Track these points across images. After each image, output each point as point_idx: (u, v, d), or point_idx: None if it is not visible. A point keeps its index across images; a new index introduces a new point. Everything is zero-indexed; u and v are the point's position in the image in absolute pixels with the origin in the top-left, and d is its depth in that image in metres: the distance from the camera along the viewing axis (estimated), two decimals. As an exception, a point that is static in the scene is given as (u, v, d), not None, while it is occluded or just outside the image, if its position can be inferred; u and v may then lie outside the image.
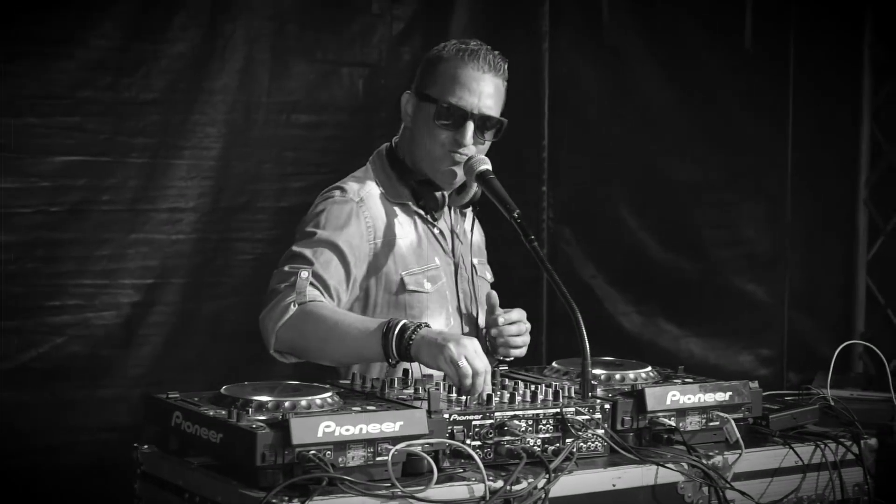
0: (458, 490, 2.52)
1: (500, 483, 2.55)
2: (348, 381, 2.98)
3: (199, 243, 4.48)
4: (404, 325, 2.95)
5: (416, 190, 3.43)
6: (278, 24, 4.63)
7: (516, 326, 3.37)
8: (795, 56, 5.30)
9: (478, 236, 3.69)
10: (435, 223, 3.47)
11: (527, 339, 3.41)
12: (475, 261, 3.61)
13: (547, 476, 2.60)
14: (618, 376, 3.07)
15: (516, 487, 2.55)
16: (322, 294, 3.18)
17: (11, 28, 4.11)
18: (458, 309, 3.49)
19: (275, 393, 2.63)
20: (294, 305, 3.08)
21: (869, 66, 5.56)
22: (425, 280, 3.40)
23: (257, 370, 4.16)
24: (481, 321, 3.53)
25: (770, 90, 5.32)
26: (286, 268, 3.20)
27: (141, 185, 4.36)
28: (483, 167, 3.31)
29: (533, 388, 2.84)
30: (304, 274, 3.12)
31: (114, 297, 4.33)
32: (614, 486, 2.73)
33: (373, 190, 3.41)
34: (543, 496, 2.58)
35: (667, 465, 2.79)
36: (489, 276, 3.66)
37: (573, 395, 2.86)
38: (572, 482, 2.66)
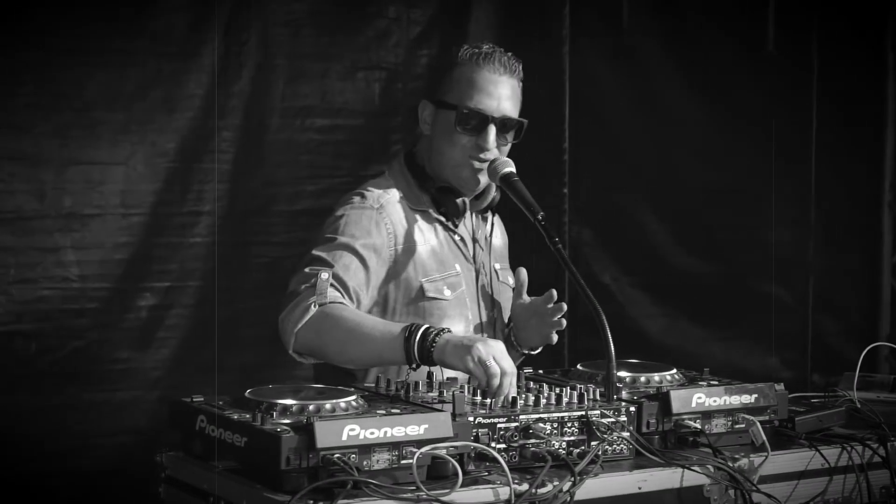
0: (482, 493, 2.51)
1: (525, 486, 2.54)
2: (373, 385, 2.97)
3: (215, 247, 4.48)
4: (427, 328, 2.96)
5: (437, 197, 3.44)
6: (294, 29, 4.63)
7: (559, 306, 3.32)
8: (819, 59, 5.27)
9: (500, 240, 3.69)
10: (455, 230, 3.47)
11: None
12: (497, 266, 3.60)
13: (572, 479, 2.59)
14: (643, 379, 3.06)
15: (541, 490, 2.54)
16: (342, 296, 3.18)
17: (44, 38, 4.15)
18: (479, 315, 3.48)
19: (299, 396, 2.63)
20: (314, 306, 3.09)
21: (893, 70, 5.53)
22: (445, 287, 3.40)
23: (274, 373, 4.27)
24: (502, 328, 3.54)
25: (793, 93, 5.29)
26: (306, 270, 3.20)
27: (158, 189, 4.37)
28: (507, 169, 3.31)
29: (558, 390, 2.84)
30: (325, 275, 3.13)
31: (132, 300, 4.34)
32: (640, 488, 2.72)
33: (394, 196, 3.41)
34: (569, 499, 2.57)
35: (692, 467, 2.77)
36: (511, 280, 3.64)
37: (598, 397, 2.86)
38: (598, 485, 2.65)
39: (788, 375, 5.15)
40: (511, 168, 3.32)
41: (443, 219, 3.45)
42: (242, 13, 4.53)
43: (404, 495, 2.43)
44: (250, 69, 4.55)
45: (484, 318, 3.50)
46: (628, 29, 5.24)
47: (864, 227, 5.50)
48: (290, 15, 4.63)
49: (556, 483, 2.57)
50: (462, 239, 3.49)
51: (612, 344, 2.89)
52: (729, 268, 5.28)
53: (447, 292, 3.40)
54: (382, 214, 3.35)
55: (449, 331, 2.98)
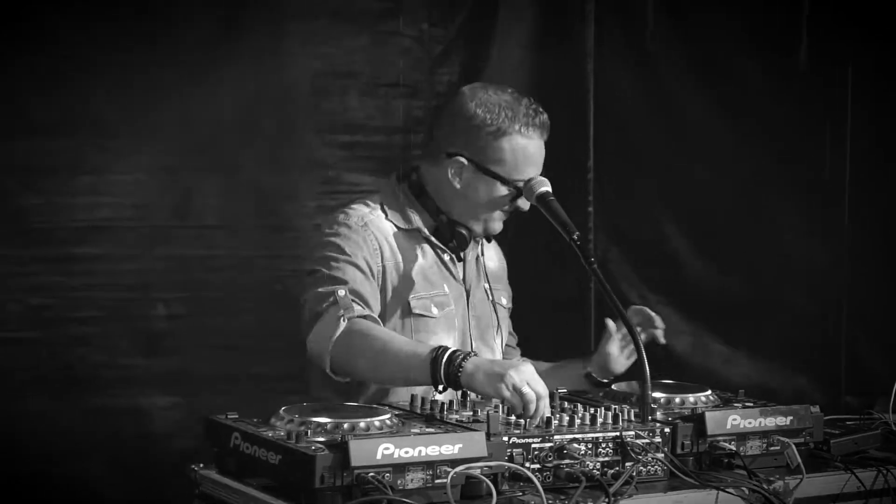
0: (517, 513, 2.51)
1: (559, 506, 2.54)
2: (406, 403, 2.97)
3: (230, 260, 4.51)
4: (454, 352, 2.94)
5: (444, 228, 3.46)
6: (313, 46, 4.65)
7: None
8: (854, 71, 5.25)
9: (495, 263, 3.72)
10: (446, 250, 3.49)
11: None
12: (487, 286, 3.61)
13: (606, 500, 2.58)
14: (677, 400, 3.05)
15: (576, 511, 2.54)
16: (364, 308, 3.20)
17: (43, 47, 4.21)
18: (469, 334, 3.49)
19: (334, 414, 2.63)
20: (344, 320, 3.10)
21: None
22: (432, 305, 3.41)
23: (285, 386, 4.31)
24: (497, 347, 3.57)
25: (825, 109, 5.26)
26: (320, 290, 3.22)
27: (172, 202, 4.41)
28: (543, 189, 3.32)
29: (592, 410, 2.83)
30: (342, 292, 3.14)
31: (141, 309, 4.38)
32: (674, 510, 2.72)
33: (378, 215, 3.43)
34: (603, 520, 2.57)
35: (727, 489, 2.76)
36: (505, 301, 3.68)
37: (633, 418, 2.85)
38: (632, 506, 2.65)
39: (820, 396, 5.12)
40: (547, 188, 3.33)
41: (433, 239, 3.46)
42: (265, 30, 4.55)
43: (438, 514, 2.43)
44: (272, 85, 4.57)
45: (473, 337, 3.50)
46: (652, 46, 5.23)
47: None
48: (311, 32, 4.66)
49: (590, 504, 2.57)
50: (452, 259, 3.50)
51: (647, 364, 2.88)
52: (758, 285, 5.25)
53: (434, 310, 3.41)
54: (368, 231, 3.36)
55: (475, 354, 2.97)
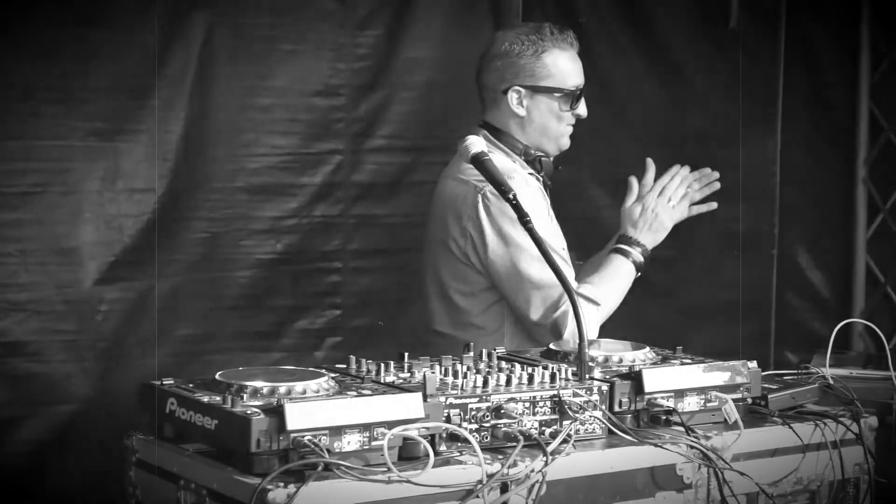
0: (454, 474, 2.51)
1: (497, 466, 2.54)
2: (344, 366, 2.96)
3: (158, 223, 4.48)
4: (619, 246, 3.81)
5: (534, 162, 3.85)
6: (237, 9, 4.61)
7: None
8: (787, 33, 5.26)
9: None
10: (540, 178, 3.88)
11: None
12: None
13: (544, 459, 2.58)
14: (615, 358, 3.05)
15: (513, 470, 2.54)
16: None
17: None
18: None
19: (270, 378, 2.61)
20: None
21: (867, 43, 5.52)
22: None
23: (217, 345, 4.43)
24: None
25: (758, 69, 5.27)
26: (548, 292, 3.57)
27: (99, 167, 4.36)
28: (477, 150, 3.32)
29: (530, 370, 2.83)
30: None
31: (73, 273, 4.34)
32: (612, 468, 2.72)
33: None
34: (541, 479, 2.57)
35: (665, 446, 2.77)
36: None
37: (570, 377, 2.85)
38: (570, 464, 2.65)
39: (756, 352, 5.15)
40: (482, 148, 3.33)
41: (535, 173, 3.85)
42: None
43: (375, 476, 2.42)
44: (193, 47, 4.53)
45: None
46: (582, 10, 5.22)
47: (834, 203, 5.51)
48: None
49: (527, 463, 2.57)
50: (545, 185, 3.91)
51: (583, 323, 2.88)
52: (691, 244, 5.25)
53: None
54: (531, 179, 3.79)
55: (625, 236, 3.82)
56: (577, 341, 2.88)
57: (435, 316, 3.81)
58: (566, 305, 3.49)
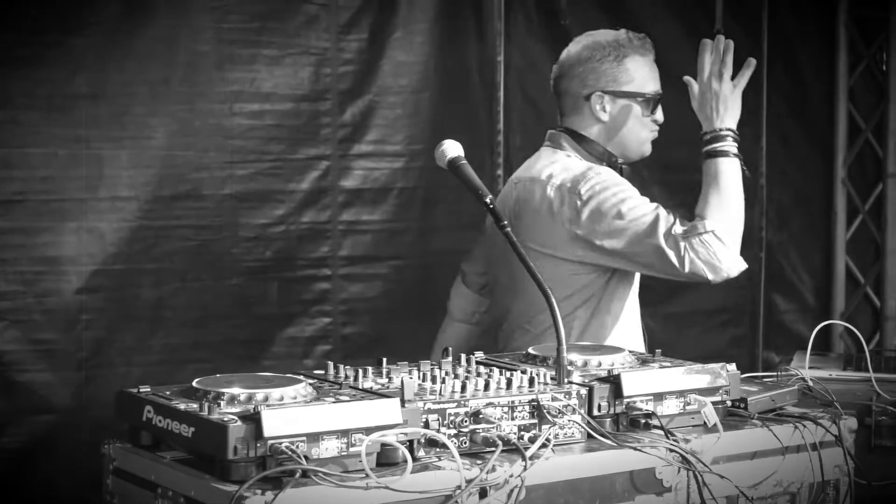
0: (433, 479, 2.49)
1: (475, 471, 2.52)
2: (322, 372, 2.95)
3: (141, 231, 4.47)
4: (711, 148, 3.70)
5: (615, 166, 3.87)
6: (221, 15, 4.62)
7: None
8: (769, 35, 5.28)
9: None
10: None
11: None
12: None
13: (523, 463, 2.58)
14: (594, 361, 3.05)
15: (492, 475, 2.53)
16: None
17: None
18: None
19: (247, 385, 2.60)
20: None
21: (844, 45, 5.54)
22: None
23: (199, 354, 4.47)
24: None
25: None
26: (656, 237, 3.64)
27: (82, 175, 4.36)
28: (452, 154, 3.30)
29: (508, 374, 2.82)
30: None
31: (55, 283, 4.33)
32: (592, 472, 2.71)
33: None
34: (520, 484, 2.56)
35: (644, 449, 2.77)
36: None
37: (549, 381, 2.84)
38: (549, 469, 2.64)
39: (738, 354, 5.16)
40: (457, 153, 3.31)
41: None
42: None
43: (353, 483, 2.41)
44: (178, 54, 4.52)
45: None
46: (565, 10, 5.22)
47: (816, 204, 5.52)
48: (219, 0, 4.61)
49: (506, 468, 2.56)
50: None
51: (562, 327, 2.87)
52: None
53: None
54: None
55: (713, 130, 3.70)
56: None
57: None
58: (685, 242, 3.61)
